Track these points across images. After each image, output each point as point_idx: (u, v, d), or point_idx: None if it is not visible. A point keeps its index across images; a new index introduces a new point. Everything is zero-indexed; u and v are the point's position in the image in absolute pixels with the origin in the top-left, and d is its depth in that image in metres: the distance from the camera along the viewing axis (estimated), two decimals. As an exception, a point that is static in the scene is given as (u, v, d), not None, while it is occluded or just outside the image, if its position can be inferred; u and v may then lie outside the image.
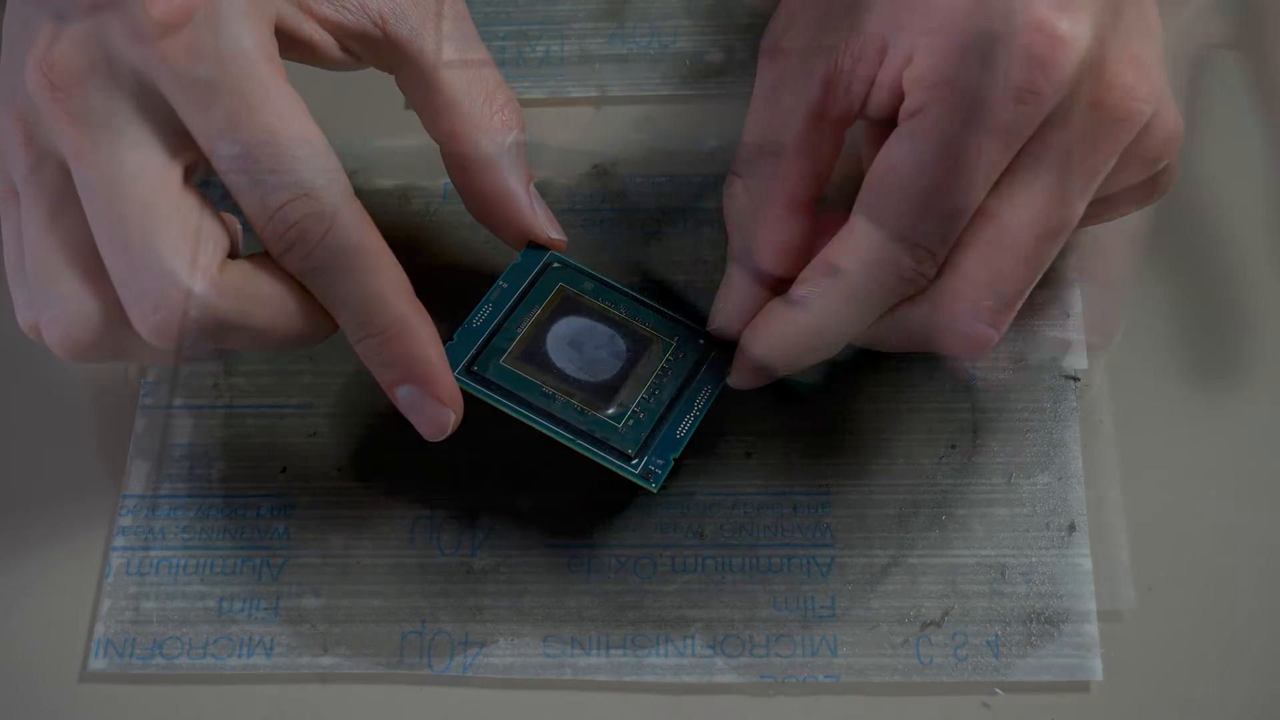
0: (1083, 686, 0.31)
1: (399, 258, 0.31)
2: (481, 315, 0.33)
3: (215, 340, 0.30)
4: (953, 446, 0.34)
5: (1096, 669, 0.31)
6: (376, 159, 0.38)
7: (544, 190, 0.35)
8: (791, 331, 0.31)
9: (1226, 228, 0.37)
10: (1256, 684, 0.32)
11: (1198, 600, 0.32)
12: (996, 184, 0.29)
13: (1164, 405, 0.35)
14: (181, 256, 0.29)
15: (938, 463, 0.34)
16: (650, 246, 0.37)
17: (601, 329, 0.33)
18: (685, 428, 0.32)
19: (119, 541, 0.33)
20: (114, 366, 0.36)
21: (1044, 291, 0.35)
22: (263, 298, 0.30)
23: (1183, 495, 0.34)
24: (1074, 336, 0.35)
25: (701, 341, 0.33)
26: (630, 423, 0.32)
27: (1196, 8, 0.37)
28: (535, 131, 0.39)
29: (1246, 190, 0.38)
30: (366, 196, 0.37)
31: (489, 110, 0.33)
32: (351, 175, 0.37)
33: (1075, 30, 0.28)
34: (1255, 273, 0.36)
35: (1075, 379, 0.34)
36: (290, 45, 0.31)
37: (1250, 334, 0.36)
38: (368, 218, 0.30)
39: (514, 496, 0.34)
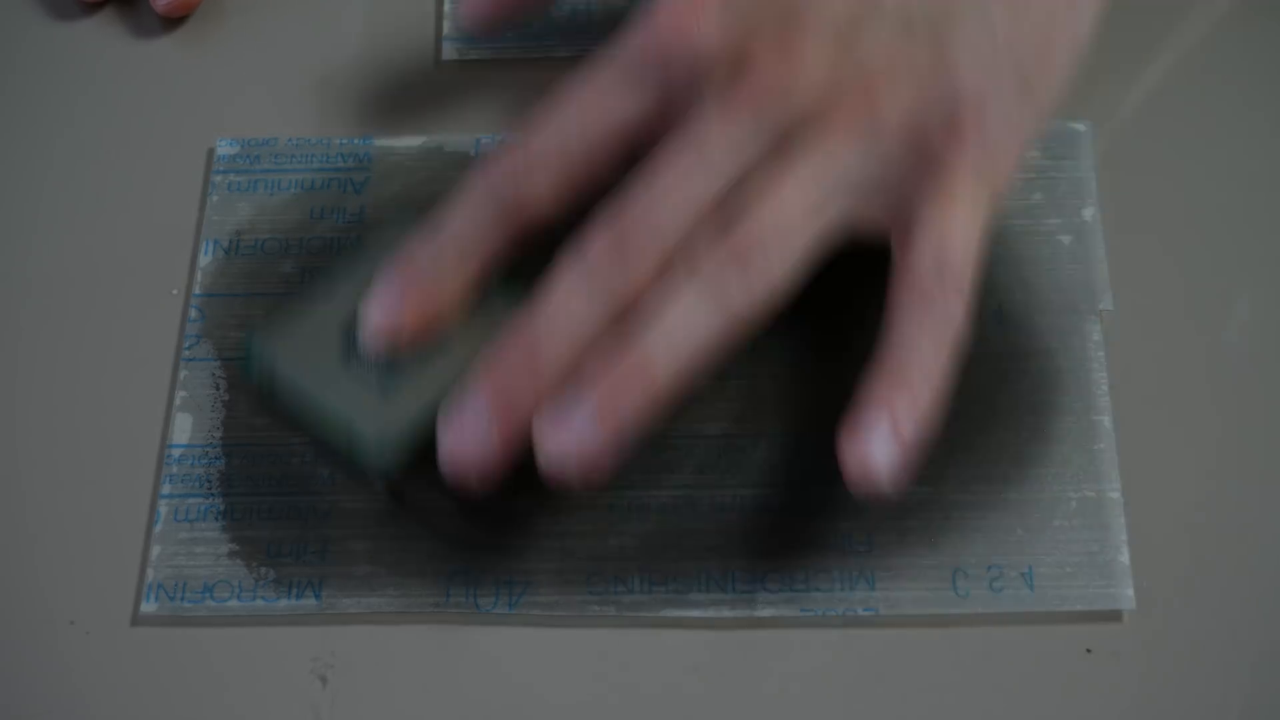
0: (1115, 616, 0.32)
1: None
2: None
3: None
4: (983, 386, 0.34)
5: (1129, 599, 0.32)
6: (377, 159, 0.38)
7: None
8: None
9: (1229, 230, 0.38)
10: (1285, 611, 0.32)
11: (1231, 529, 0.33)
12: None
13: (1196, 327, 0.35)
14: None
15: (969, 403, 0.34)
16: None
17: None
18: None
19: (166, 489, 0.34)
20: (157, 312, 0.36)
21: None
22: None
23: (1225, 425, 0.34)
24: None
25: None
26: None
27: None
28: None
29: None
30: (367, 196, 0.37)
31: None
32: (352, 175, 0.38)
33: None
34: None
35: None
36: None
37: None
38: None
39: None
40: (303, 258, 0.37)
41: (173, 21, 0.41)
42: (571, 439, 0.30)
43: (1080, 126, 0.38)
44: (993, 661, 0.32)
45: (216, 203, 0.38)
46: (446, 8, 0.41)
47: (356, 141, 0.39)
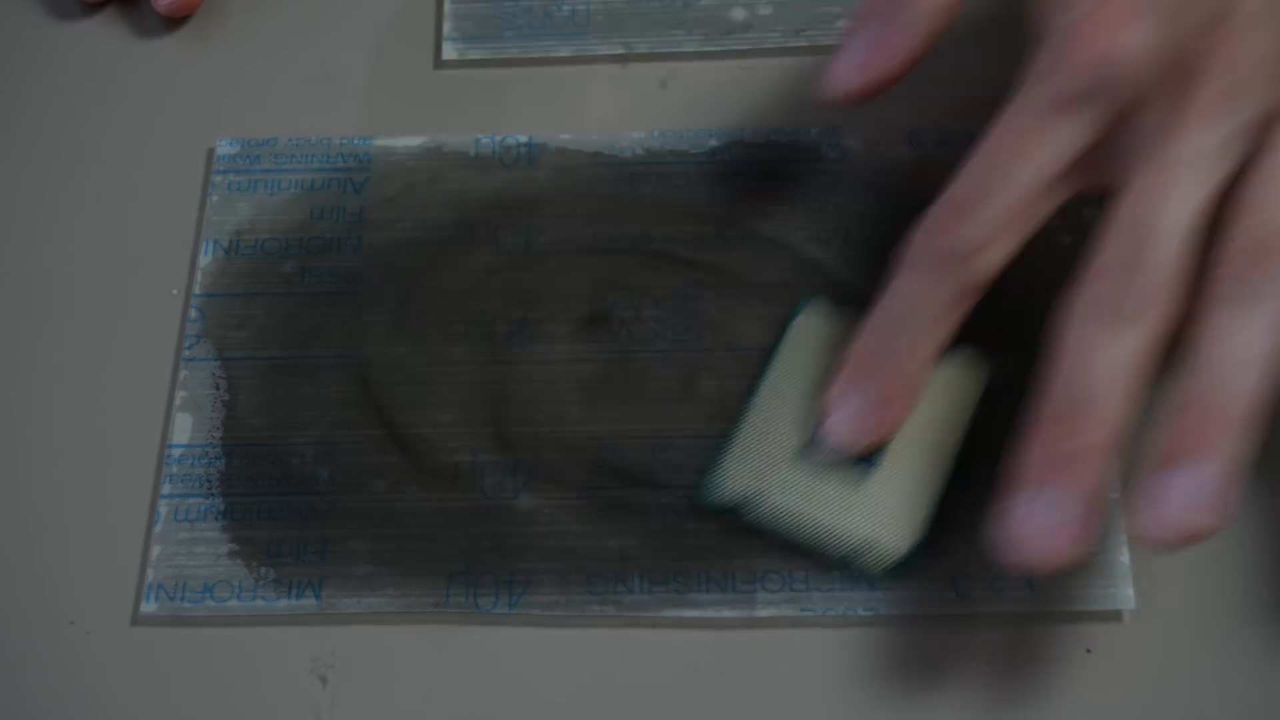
0: (1115, 616, 0.32)
1: (400, 260, 0.32)
2: None
3: None
4: (984, 390, 0.34)
5: (1129, 599, 0.32)
6: (377, 159, 0.38)
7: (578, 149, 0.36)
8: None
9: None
10: (1285, 611, 0.32)
11: (1231, 529, 0.33)
12: None
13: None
14: None
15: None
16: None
17: None
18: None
19: (166, 489, 0.34)
20: (157, 312, 0.36)
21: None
22: None
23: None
24: None
25: None
26: None
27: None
28: (560, 90, 0.39)
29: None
30: (367, 196, 0.37)
31: None
32: (352, 175, 0.38)
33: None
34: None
35: None
36: None
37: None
38: None
39: (555, 441, 0.34)
40: (303, 258, 0.37)
41: (173, 22, 0.41)
42: (1190, 507, 0.28)
43: (1080, 126, 0.38)
44: (993, 661, 0.32)
45: (216, 203, 0.38)
46: (447, 8, 0.41)
47: (356, 141, 0.39)
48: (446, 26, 0.41)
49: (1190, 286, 0.29)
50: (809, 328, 0.34)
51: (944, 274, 0.31)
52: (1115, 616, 0.32)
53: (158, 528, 0.34)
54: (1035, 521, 0.28)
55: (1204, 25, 0.30)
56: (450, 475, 0.34)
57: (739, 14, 0.40)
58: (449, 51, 0.40)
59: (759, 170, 0.37)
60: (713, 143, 0.38)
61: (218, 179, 0.38)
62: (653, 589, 0.33)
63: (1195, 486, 0.28)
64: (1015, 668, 0.32)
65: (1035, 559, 0.28)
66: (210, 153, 0.39)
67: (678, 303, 0.36)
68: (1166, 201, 0.29)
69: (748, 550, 0.33)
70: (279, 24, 0.41)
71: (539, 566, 0.33)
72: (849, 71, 0.32)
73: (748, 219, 0.37)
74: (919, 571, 0.32)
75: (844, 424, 0.32)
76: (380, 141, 0.38)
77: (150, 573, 0.33)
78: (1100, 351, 0.29)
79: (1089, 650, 0.32)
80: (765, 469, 0.33)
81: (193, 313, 0.36)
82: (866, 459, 0.32)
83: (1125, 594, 0.32)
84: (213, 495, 0.34)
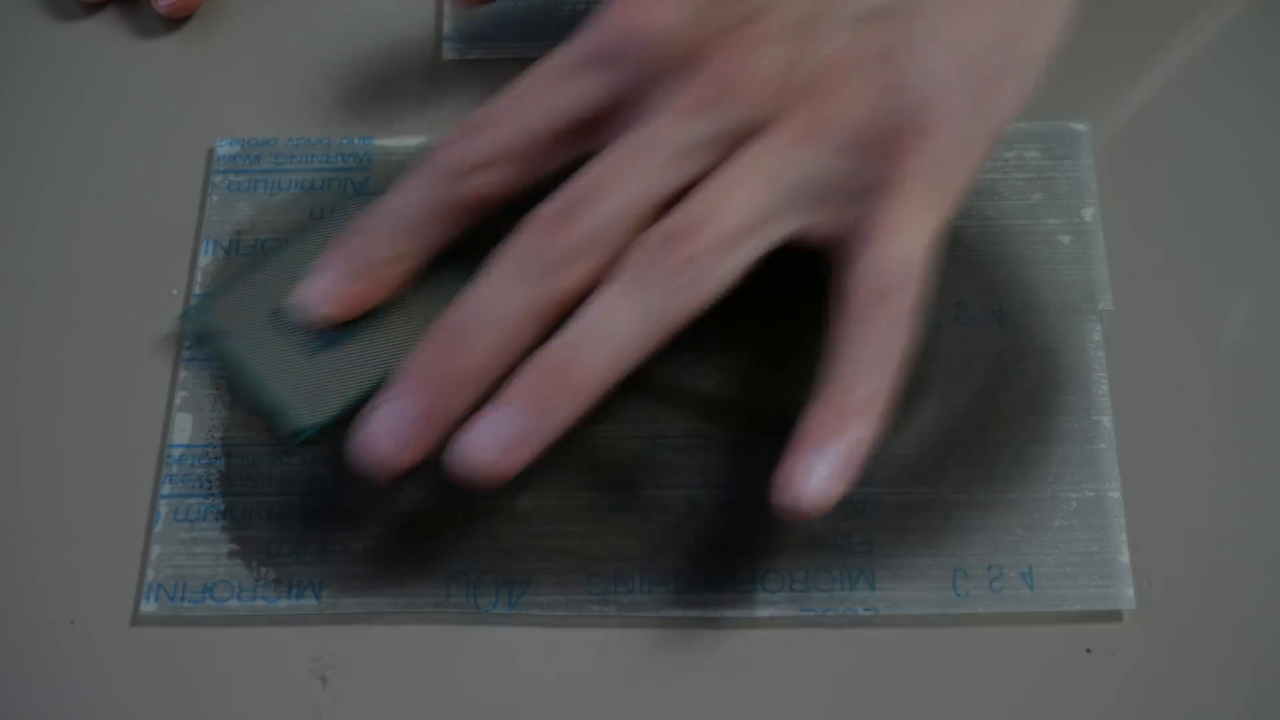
0: (1115, 616, 0.32)
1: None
2: None
3: None
4: (983, 386, 0.34)
5: (1129, 599, 0.32)
6: (377, 159, 0.38)
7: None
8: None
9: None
10: (1285, 611, 0.32)
11: (1231, 529, 0.33)
12: None
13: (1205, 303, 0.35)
14: None
15: (969, 403, 0.34)
16: None
17: None
18: None
19: (166, 489, 0.34)
20: (157, 312, 0.36)
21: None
22: None
23: (1225, 426, 0.34)
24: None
25: None
26: None
27: None
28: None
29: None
30: (367, 196, 0.37)
31: None
32: (352, 175, 0.38)
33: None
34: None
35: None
36: None
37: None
38: None
39: (556, 442, 0.34)
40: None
41: (173, 22, 0.41)
42: (484, 437, 0.30)
43: (1080, 126, 0.38)
44: (993, 661, 0.32)
45: (216, 203, 0.38)
46: (447, 8, 0.41)
47: (356, 141, 0.39)
48: (446, 26, 0.41)
49: (593, 265, 0.31)
50: (352, 211, 0.35)
51: (432, 181, 0.33)
52: (1115, 616, 0.32)
53: (158, 528, 0.34)
54: (375, 424, 0.31)
55: (730, 25, 0.32)
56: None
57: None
58: (449, 51, 0.40)
59: None
60: None
61: (218, 179, 0.38)
62: (653, 589, 0.33)
63: (486, 429, 0.30)
64: (1015, 668, 0.32)
65: (368, 457, 0.31)
66: (210, 153, 0.39)
67: None
68: (618, 177, 0.31)
69: (748, 550, 0.33)
70: (279, 24, 0.41)
71: (539, 566, 0.33)
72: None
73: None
74: (917, 571, 0.32)
75: (313, 287, 0.34)
76: (380, 141, 0.38)
77: (150, 573, 0.33)
78: (495, 291, 0.31)
79: (1089, 650, 0.32)
80: (248, 312, 0.35)
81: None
82: (334, 337, 0.34)
83: (1125, 594, 0.32)
84: (213, 495, 0.34)
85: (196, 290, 0.36)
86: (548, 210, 0.31)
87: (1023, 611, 0.32)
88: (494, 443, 0.30)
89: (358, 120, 0.39)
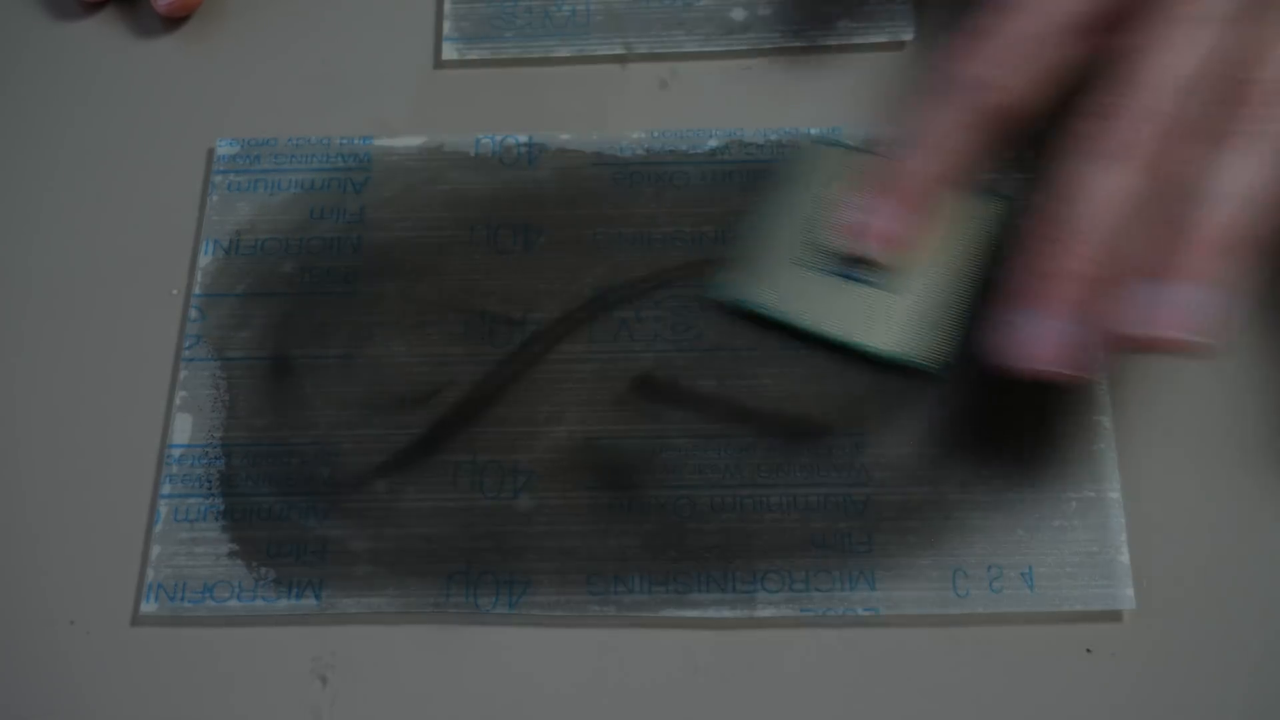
0: (1115, 616, 0.32)
1: (400, 260, 0.32)
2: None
3: None
4: (983, 385, 0.34)
5: (1129, 599, 0.32)
6: (377, 159, 0.38)
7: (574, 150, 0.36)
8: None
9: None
10: (1285, 610, 0.32)
11: (1231, 529, 0.33)
12: None
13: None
14: None
15: (969, 403, 0.34)
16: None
17: None
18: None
19: (166, 489, 0.34)
20: (157, 312, 0.36)
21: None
22: None
23: (1225, 426, 0.34)
24: None
25: None
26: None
27: None
28: (559, 90, 0.39)
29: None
30: (367, 196, 0.37)
31: None
32: (352, 175, 0.38)
33: None
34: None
35: None
36: None
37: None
38: None
39: (555, 441, 0.34)
40: (303, 258, 0.37)
41: (173, 22, 0.41)
42: (1178, 317, 0.28)
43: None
44: (993, 661, 0.32)
45: (216, 203, 0.38)
46: (447, 7, 0.41)
47: (356, 141, 0.39)
48: (446, 26, 0.41)
49: (1186, 135, 0.30)
50: (815, 159, 0.36)
51: (955, 97, 0.32)
52: (1115, 616, 0.32)
53: (158, 528, 0.34)
54: (1019, 336, 0.30)
55: None
56: (450, 475, 0.34)
57: (739, 14, 0.40)
58: (449, 51, 0.40)
59: (759, 170, 0.37)
60: (713, 143, 0.38)
61: (218, 179, 0.38)
62: (653, 589, 0.33)
63: (1182, 300, 0.29)
64: (1015, 668, 0.32)
65: (1022, 366, 0.30)
66: (210, 153, 0.39)
67: (678, 303, 0.36)
68: (1168, 50, 0.30)
69: (748, 550, 0.33)
70: (279, 24, 0.41)
71: (539, 566, 0.33)
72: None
73: (748, 219, 0.37)
74: (917, 571, 0.32)
75: (860, 232, 0.33)
76: (380, 141, 0.38)
77: (150, 573, 0.33)
78: (1088, 185, 0.30)
79: (1089, 650, 0.32)
80: (778, 275, 0.35)
81: (193, 313, 0.36)
82: (878, 277, 0.34)
83: (1125, 594, 0.32)
84: (213, 495, 0.34)
85: (196, 290, 0.36)
86: (1109, 103, 0.30)
87: (1023, 611, 0.32)
88: (1198, 320, 0.29)
89: (358, 120, 0.39)
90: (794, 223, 0.35)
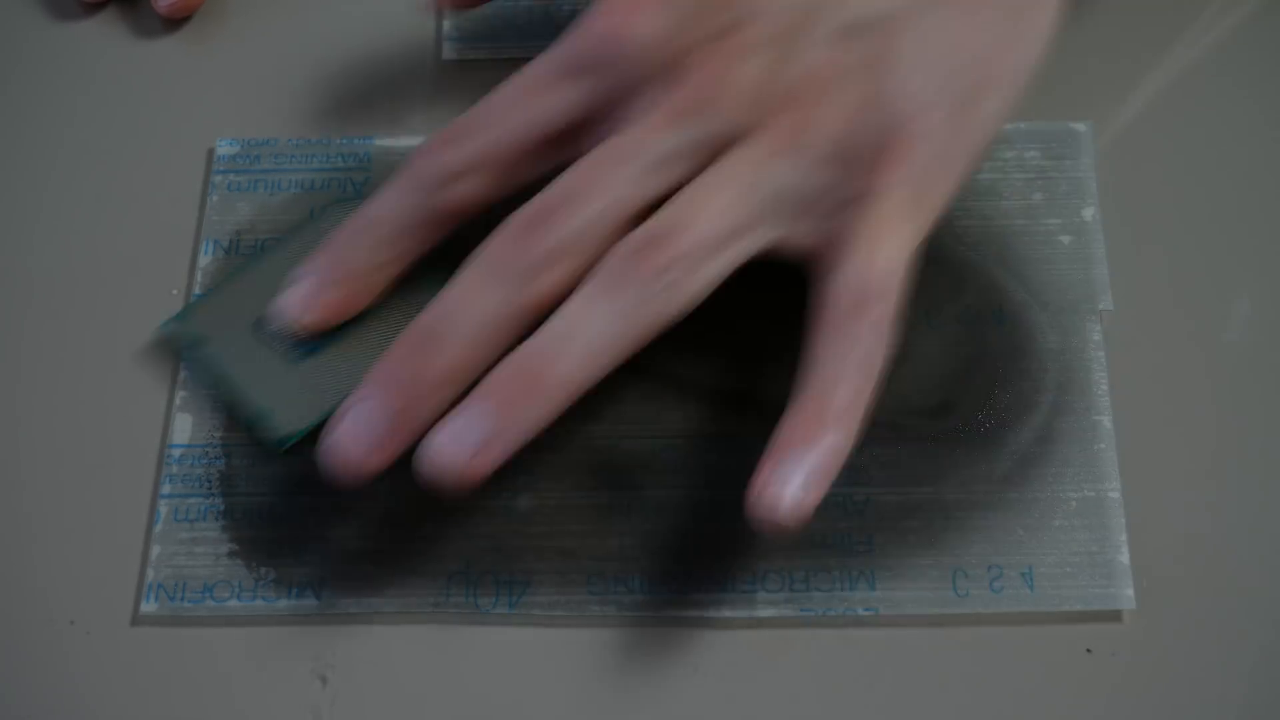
0: (1115, 616, 0.32)
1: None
2: None
3: None
4: (983, 386, 0.34)
5: (1129, 599, 0.32)
6: (377, 159, 0.38)
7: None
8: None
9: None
10: (1285, 611, 0.32)
11: (1232, 529, 0.33)
12: None
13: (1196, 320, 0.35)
14: None
15: (969, 403, 0.34)
16: None
17: None
18: None
19: (166, 489, 0.34)
20: (157, 312, 0.36)
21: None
22: None
23: (1225, 426, 0.34)
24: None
25: None
26: None
27: None
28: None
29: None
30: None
31: None
32: (352, 175, 0.38)
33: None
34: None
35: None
36: None
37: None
38: None
39: (555, 441, 0.34)
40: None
41: (173, 22, 0.41)
42: (453, 439, 0.30)
43: (1080, 126, 0.38)
44: (993, 661, 0.32)
45: (216, 203, 0.38)
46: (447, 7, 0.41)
47: (356, 141, 0.39)
48: (446, 26, 0.41)
49: (579, 269, 0.31)
50: (335, 215, 0.36)
51: (411, 190, 0.33)
52: (1115, 616, 0.32)
53: (158, 528, 0.34)
54: (344, 428, 0.31)
55: (712, 35, 0.32)
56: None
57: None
58: (449, 51, 0.40)
59: None
60: None
61: (218, 179, 0.38)
62: (652, 589, 0.33)
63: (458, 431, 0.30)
64: (1015, 668, 0.32)
65: (336, 461, 0.30)
66: (210, 153, 0.39)
67: None
68: (595, 184, 0.31)
69: (748, 550, 0.33)
70: (279, 24, 0.41)
71: (539, 566, 0.33)
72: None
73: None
74: (917, 571, 0.33)
75: (292, 296, 0.33)
76: (380, 141, 0.38)
77: (150, 573, 0.33)
78: (469, 295, 0.31)
79: (1089, 650, 0.32)
80: (228, 321, 0.35)
81: (193, 313, 0.36)
82: (314, 345, 0.34)
83: (1125, 594, 0.32)
84: (213, 495, 0.34)
85: (196, 290, 0.36)
86: (524, 215, 0.31)
87: (1023, 611, 0.32)
88: (463, 445, 0.29)
89: (358, 120, 0.39)
90: (265, 281, 0.35)
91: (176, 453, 0.34)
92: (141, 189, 0.38)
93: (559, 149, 0.32)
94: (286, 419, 0.34)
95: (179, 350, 0.35)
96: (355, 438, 0.30)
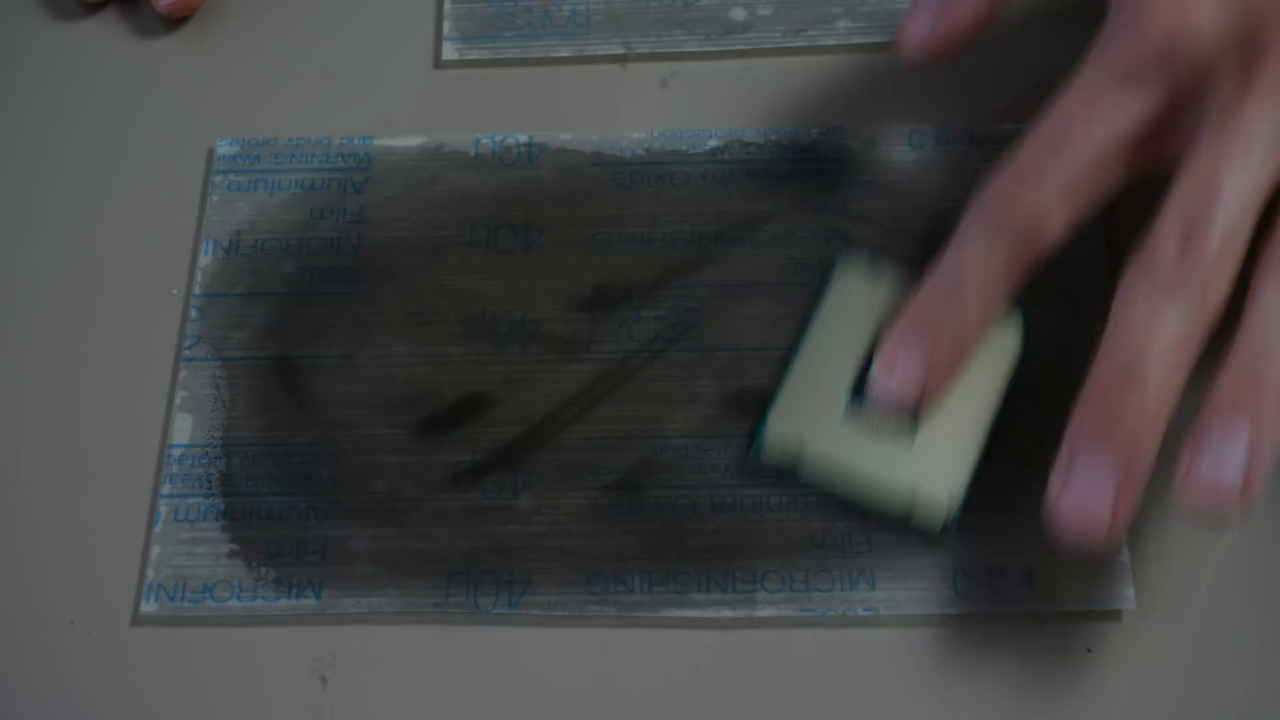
0: (1115, 616, 0.32)
1: (400, 260, 0.32)
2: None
3: None
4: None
5: (1129, 599, 0.32)
6: (376, 159, 0.38)
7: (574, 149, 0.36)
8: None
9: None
10: (1285, 610, 0.32)
11: (1231, 530, 0.33)
12: None
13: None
14: None
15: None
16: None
17: None
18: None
19: (166, 489, 0.34)
20: (157, 312, 0.36)
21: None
22: None
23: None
24: None
25: None
26: None
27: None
28: (560, 90, 0.39)
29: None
30: (367, 196, 0.37)
31: None
32: (352, 175, 0.38)
33: None
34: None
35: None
36: None
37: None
38: None
39: (555, 441, 0.34)
40: (303, 258, 0.37)
41: (173, 22, 0.41)
42: (1230, 475, 0.28)
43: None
44: (993, 662, 0.32)
45: (216, 203, 0.38)
46: (447, 7, 0.41)
47: (356, 141, 0.39)
48: (446, 26, 0.41)
49: (1239, 266, 0.30)
50: (849, 286, 0.35)
51: (1003, 240, 0.31)
52: (1115, 616, 0.32)
53: (158, 528, 0.34)
54: (1076, 490, 0.29)
55: (1273, 7, 0.30)
56: (450, 475, 0.34)
57: (739, 14, 0.40)
58: (449, 51, 0.40)
59: (759, 170, 0.37)
60: (713, 143, 0.38)
61: (218, 179, 0.38)
62: (653, 589, 0.33)
63: (1228, 449, 0.28)
64: (1015, 668, 0.32)
65: (1074, 529, 0.29)
66: (210, 153, 0.39)
67: (678, 303, 0.36)
68: (1224, 180, 0.29)
69: (748, 550, 0.33)
70: (279, 24, 0.41)
71: (539, 566, 0.33)
72: (921, 28, 0.33)
73: (748, 219, 0.37)
74: (917, 571, 0.33)
75: (899, 380, 0.31)
76: (380, 141, 0.38)
77: (150, 573, 0.33)
78: (1153, 323, 0.29)
79: (1089, 650, 0.32)
80: (815, 424, 0.33)
81: (193, 313, 0.36)
82: (914, 415, 0.33)
83: (1125, 594, 0.32)
84: (213, 495, 0.34)
85: (196, 290, 0.36)
86: (1169, 236, 0.30)
87: (1023, 611, 0.32)
88: (1237, 466, 0.28)
89: (358, 120, 0.39)
90: (832, 369, 0.34)
91: (176, 453, 0.34)
92: (141, 189, 0.39)
93: (1130, 159, 0.31)
94: (940, 496, 0.32)
95: (786, 464, 0.33)
96: (1096, 504, 0.29)
